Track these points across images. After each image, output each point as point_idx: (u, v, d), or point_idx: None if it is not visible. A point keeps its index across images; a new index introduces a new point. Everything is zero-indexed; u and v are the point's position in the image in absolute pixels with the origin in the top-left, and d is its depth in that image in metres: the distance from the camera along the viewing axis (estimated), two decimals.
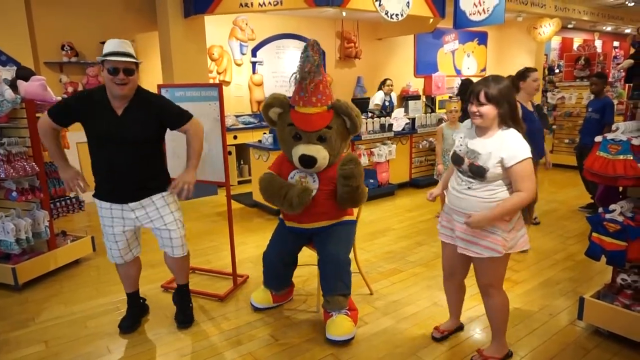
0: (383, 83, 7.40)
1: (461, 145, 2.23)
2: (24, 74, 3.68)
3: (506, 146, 2.07)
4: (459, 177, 2.25)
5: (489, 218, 2.09)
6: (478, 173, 2.11)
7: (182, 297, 2.94)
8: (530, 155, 2.07)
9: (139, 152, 2.49)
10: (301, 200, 2.65)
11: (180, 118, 2.59)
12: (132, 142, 2.46)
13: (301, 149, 2.69)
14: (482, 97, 2.08)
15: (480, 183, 2.14)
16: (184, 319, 2.87)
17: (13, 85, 3.42)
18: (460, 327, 2.74)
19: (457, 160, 2.23)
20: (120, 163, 2.46)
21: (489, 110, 2.08)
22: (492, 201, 2.13)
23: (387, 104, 7.32)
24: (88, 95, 2.52)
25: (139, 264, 2.87)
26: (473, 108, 2.12)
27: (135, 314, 2.88)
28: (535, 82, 3.72)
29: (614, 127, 2.57)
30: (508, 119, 2.11)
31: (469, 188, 2.18)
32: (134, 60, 2.39)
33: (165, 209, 2.62)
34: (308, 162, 2.68)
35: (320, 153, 2.67)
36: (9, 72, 3.64)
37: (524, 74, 3.80)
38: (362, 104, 6.86)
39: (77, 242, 3.88)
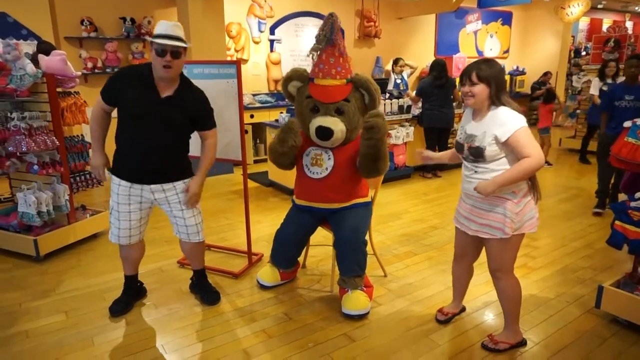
0: (395, 62, 7.22)
1: (461, 133, 2.31)
2: (45, 48, 3.70)
3: (498, 123, 2.12)
4: (465, 164, 2.32)
5: (495, 182, 2.10)
6: (477, 154, 2.17)
7: (201, 281, 2.97)
8: (525, 125, 2.09)
9: (170, 136, 2.52)
10: (290, 125, 2.74)
11: (209, 121, 2.65)
12: (167, 125, 2.48)
13: (318, 121, 2.68)
14: (474, 77, 2.15)
15: (484, 166, 2.18)
16: (212, 297, 2.90)
17: (34, 60, 3.45)
18: (462, 309, 2.77)
19: (459, 147, 2.31)
20: (149, 144, 2.47)
21: (480, 89, 2.15)
22: None
23: (398, 82, 7.18)
24: (133, 70, 2.54)
25: (143, 246, 2.82)
26: (465, 88, 2.19)
27: (130, 298, 2.86)
28: None
29: None
30: (496, 99, 2.16)
31: (475, 172, 2.23)
32: (183, 44, 2.39)
33: (184, 196, 2.63)
34: (324, 133, 2.66)
35: (338, 125, 2.66)
36: (30, 47, 3.68)
37: None
38: (381, 84, 6.69)
39: (96, 217, 3.94)
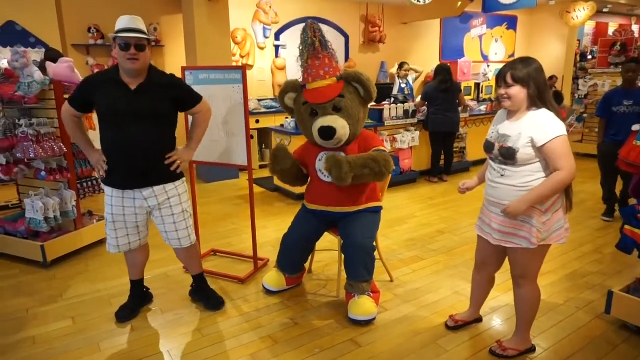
0: (400, 67, 7.23)
1: (492, 132, 2.22)
2: (53, 55, 3.74)
3: (537, 126, 2.01)
4: (491, 166, 2.22)
5: (527, 200, 2.01)
6: (508, 155, 2.07)
7: (202, 287, 2.95)
8: (565, 133, 1.99)
9: (152, 129, 2.46)
10: (275, 152, 2.84)
11: (193, 98, 2.65)
12: (146, 117, 2.43)
13: (319, 122, 2.70)
14: (509, 79, 2.05)
15: (513, 170, 2.09)
16: (216, 303, 2.89)
17: (42, 67, 3.48)
18: (478, 320, 2.69)
19: (488, 147, 2.20)
20: (133, 143, 2.42)
21: (517, 91, 2.05)
22: (525, 189, 2.06)
23: (403, 86, 7.18)
24: (100, 74, 2.57)
25: (147, 250, 2.82)
26: (501, 90, 2.10)
27: (136, 304, 2.86)
28: None
29: None
30: (537, 100, 2.05)
31: (501, 176, 2.13)
32: (145, 36, 2.39)
33: (175, 200, 2.60)
34: (327, 132, 2.67)
35: (338, 122, 2.67)
36: (38, 54, 3.72)
37: None
38: (385, 89, 6.73)
39: (102, 222, 3.94)
